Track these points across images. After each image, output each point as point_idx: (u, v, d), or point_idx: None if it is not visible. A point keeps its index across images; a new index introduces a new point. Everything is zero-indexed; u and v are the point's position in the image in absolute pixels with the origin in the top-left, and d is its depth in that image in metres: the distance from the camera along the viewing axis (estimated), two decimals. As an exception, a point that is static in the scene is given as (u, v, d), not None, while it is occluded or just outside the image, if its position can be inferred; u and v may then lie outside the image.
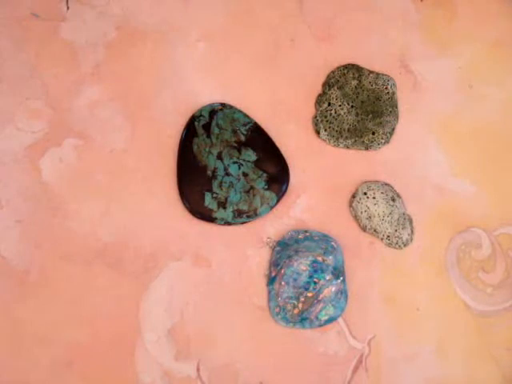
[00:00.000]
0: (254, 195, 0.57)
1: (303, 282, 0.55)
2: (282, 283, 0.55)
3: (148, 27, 0.61)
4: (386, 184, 0.58)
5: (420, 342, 0.56)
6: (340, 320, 0.56)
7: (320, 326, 0.55)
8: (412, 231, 0.57)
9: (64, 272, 0.55)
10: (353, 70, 0.60)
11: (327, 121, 0.59)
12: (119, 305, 0.55)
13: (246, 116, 0.59)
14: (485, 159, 0.60)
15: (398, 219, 0.57)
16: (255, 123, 0.58)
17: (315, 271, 0.55)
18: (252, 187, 0.57)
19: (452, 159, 0.59)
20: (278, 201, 0.57)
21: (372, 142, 0.59)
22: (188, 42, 0.61)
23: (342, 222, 0.58)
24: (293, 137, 0.59)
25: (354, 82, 0.60)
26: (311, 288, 0.54)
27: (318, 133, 0.59)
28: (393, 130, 0.59)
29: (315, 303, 0.54)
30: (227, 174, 0.57)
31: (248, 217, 0.56)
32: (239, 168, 0.57)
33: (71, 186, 0.57)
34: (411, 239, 0.57)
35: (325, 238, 0.56)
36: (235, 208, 0.56)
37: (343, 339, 0.55)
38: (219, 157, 0.57)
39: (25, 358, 0.54)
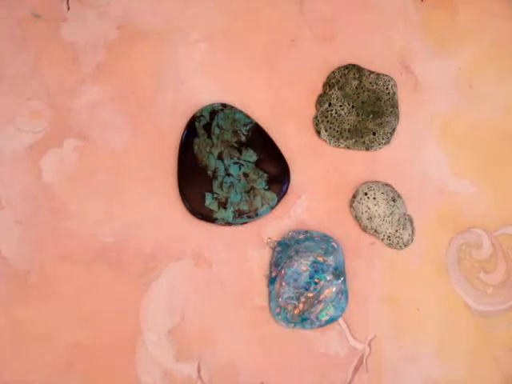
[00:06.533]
0: (254, 195, 0.57)
1: (304, 282, 0.55)
2: (283, 283, 0.55)
3: (149, 27, 0.61)
4: (387, 184, 0.58)
5: (420, 342, 0.56)
6: (340, 320, 0.56)
7: (320, 326, 0.55)
8: (413, 231, 0.57)
9: (64, 272, 0.55)
10: (353, 70, 0.60)
11: (328, 121, 0.59)
12: (120, 305, 0.55)
13: (246, 116, 0.59)
14: (485, 159, 0.60)
15: (399, 219, 0.57)
16: (256, 123, 0.58)
17: (316, 271, 0.55)
18: (253, 187, 0.57)
19: (452, 159, 0.59)
20: (278, 201, 0.57)
21: (372, 142, 0.59)
22: (188, 43, 0.61)
23: (343, 223, 0.58)
24: (293, 137, 0.59)
25: (355, 83, 0.60)
26: (312, 288, 0.54)
27: (318, 133, 0.59)
28: (393, 130, 0.59)
29: (316, 303, 0.54)
30: (228, 175, 0.57)
31: (248, 217, 0.56)
32: (240, 168, 0.57)
33: (72, 186, 0.57)
34: (412, 239, 0.57)
35: (325, 239, 0.56)
36: (236, 208, 0.56)
37: (344, 339, 0.55)
38: (220, 157, 0.57)
39: (25, 358, 0.54)
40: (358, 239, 0.57)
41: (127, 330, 0.55)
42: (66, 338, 0.54)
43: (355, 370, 0.55)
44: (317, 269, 0.55)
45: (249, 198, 0.57)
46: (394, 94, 0.60)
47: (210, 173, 0.57)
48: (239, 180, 0.57)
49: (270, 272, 0.56)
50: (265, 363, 0.55)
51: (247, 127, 0.58)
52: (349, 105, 0.59)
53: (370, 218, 0.57)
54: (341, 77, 0.60)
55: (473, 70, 0.62)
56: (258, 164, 0.57)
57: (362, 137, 0.59)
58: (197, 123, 0.58)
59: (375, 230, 0.57)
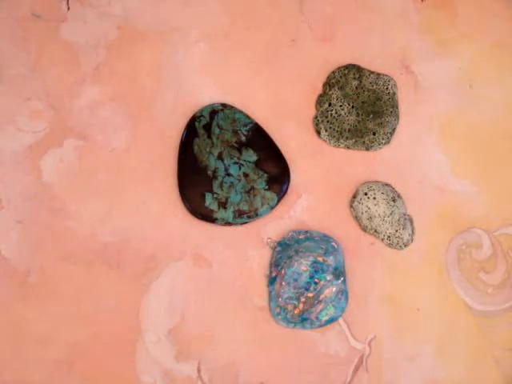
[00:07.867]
0: (254, 195, 0.57)
1: (304, 282, 0.55)
2: (283, 283, 0.55)
3: (149, 27, 0.61)
4: (387, 184, 0.58)
5: (420, 342, 0.56)
6: (340, 320, 0.56)
7: (320, 326, 0.55)
8: (413, 231, 0.57)
9: (65, 272, 0.55)
10: (353, 70, 0.60)
11: (328, 121, 0.59)
12: (120, 305, 0.55)
13: (246, 116, 0.59)
14: (485, 159, 0.60)
15: (399, 219, 0.57)
16: (256, 123, 0.58)
17: (316, 271, 0.55)
18: (252, 187, 0.57)
19: (452, 159, 0.59)
20: (278, 201, 0.57)
21: (372, 142, 0.59)
22: (188, 43, 0.61)
23: (343, 223, 0.58)
24: (293, 137, 0.59)
25: (355, 83, 0.60)
26: (312, 288, 0.54)
27: (318, 133, 0.59)
28: (393, 130, 0.59)
29: (316, 303, 0.54)
30: (228, 175, 0.57)
31: (248, 217, 0.56)
32: (240, 168, 0.57)
33: (72, 186, 0.57)
34: (412, 239, 0.57)
35: (325, 239, 0.56)
36: (236, 208, 0.56)
37: (344, 339, 0.55)
38: (220, 157, 0.57)
39: (25, 358, 0.54)
40: (358, 239, 0.57)
41: (127, 330, 0.55)
42: (66, 338, 0.54)
43: (355, 369, 0.55)
44: (317, 269, 0.55)
45: (249, 198, 0.57)
46: (394, 94, 0.60)
47: (210, 173, 0.57)
48: (239, 180, 0.57)
49: (270, 272, 0.56)
50: (265, 363, 0.55)
51: (247, 127, 0.58)
52: (349, 105, 0.59)
53: (369, 218, 0.57)
54: (341, 77, 0.60)
55: (473, 70, 0.62)
56: (258, 164, 0.57)
57: (362, 137, 0.59)
58: (197, 123, 0.58)
59: (375, 230, 0.57)
